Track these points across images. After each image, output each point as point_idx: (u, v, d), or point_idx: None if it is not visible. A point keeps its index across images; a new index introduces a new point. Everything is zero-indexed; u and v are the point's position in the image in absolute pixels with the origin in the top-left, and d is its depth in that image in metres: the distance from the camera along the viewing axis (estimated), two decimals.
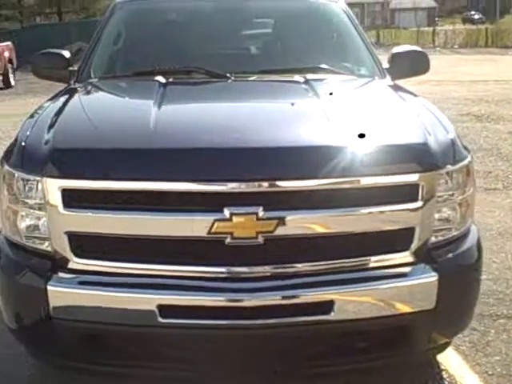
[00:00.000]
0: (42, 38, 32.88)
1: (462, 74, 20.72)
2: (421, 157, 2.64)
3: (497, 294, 4.20)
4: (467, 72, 21.28)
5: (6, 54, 20.64)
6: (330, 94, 3.25)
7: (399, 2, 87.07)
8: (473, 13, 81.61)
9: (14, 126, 11.66)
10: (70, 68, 4.06)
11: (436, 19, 76.43)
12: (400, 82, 3.96)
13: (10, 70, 20.98)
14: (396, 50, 4.23)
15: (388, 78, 3.89)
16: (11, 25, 43.58)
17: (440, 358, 3.37)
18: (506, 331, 3.71)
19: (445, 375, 3.27)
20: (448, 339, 2.95)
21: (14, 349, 3.25)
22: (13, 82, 20.96)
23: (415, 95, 3.49)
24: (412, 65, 4.16)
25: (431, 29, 45.72)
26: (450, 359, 3.40)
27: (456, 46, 38.53)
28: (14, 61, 21.74)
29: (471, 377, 3.25)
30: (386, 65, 4.09)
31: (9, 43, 21.72)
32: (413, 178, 2.59)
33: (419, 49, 4.35)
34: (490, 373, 3.28)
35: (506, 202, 6.40)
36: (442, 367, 3.33)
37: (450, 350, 3.44)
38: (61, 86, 4.02)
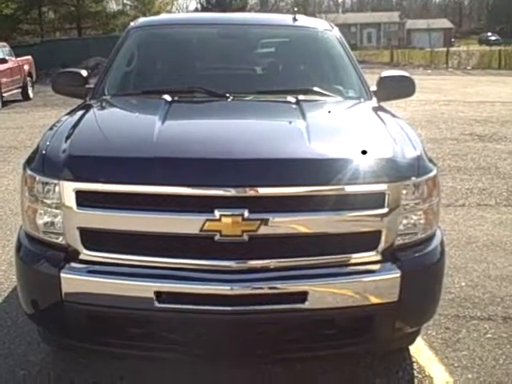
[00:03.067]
0: (61, 53, 33.59)
1: (471, 95, 21.02)
2: (388, 169, 3.01)
3: (473, 299, 4.55)
4: (476, 93, 21.57)
5: (26, 67, 21.10)
6: (315, 113, 3.66)
7: (414, 22, 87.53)
8: (489, 34, 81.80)
9: (28, 136, 12.20)
10: (87, 85, 4.47)
11: (452, 40, 76.64)
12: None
13: (29, 83, 21.41)
14: (384, 74, 4.62)
15: (374, 99, 4.27)
16: (31, 39, 44.42)
17: (413, 352, 3.75)
18: (477, 331, 4.05)
19: (415, 366, 3.63)
20: (411, 329, 3.30)
21: None
22: (31, 95, 21.39)
23: (394, 116, 3.85)
24: (398, 88, 4.55)
25: (445, 49, 45.93)
26: (421, 353, 3.77)
27: (469, 68, 38.64)
28: (34, 74, 22.16)
29: (438, 368, 3.61)
30: (374, 87, 4.49)
31: (29, 57, 22.16)
32: (380, 187, 2.97)
33: (405, 73, 4.71)
34: (456, 365, 3.64)
35: (496, 217, 6.73)
36: (414, 360, 3.69)
37: (422, 346, 3.83)
38: (77, 101, 4.47)
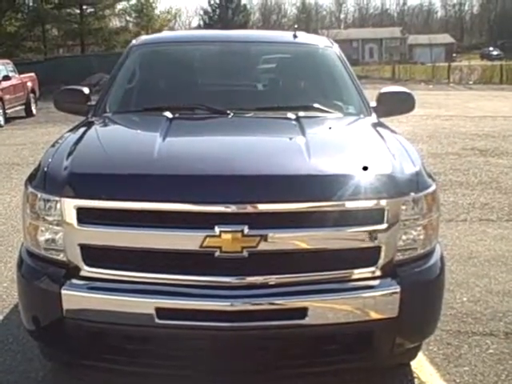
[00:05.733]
0: (64, 70, 33.80)
1: (472, 109, 21.08)
2: (387, 185, 3.03)
3: (475, 314, 4.54)
4: (478, 108, 21.64)
5: (29, 84, 21.25)
6: (315, 130, 3.69)
7: (416, 37, 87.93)
8: (491, 49, 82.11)
9: (31, 153, 12.26)
10: (89, 103, 4.51)
11: (454, 55, 76.93)
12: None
13: (33, 100, 21.56)
14: (383, 90, 4.66)
15: (373, 115, 4.29)
16: (34, 56, 44.72)
17: (414, 367, 3.74)
18: (479, 346, 4.04)
19: (416, 382, 3.63)
20: (412, 344, 3.29)
21: None
22: (34, 111, 21.54)
23: (394, 132, 3.87)
24: (398, 104, 4.57)
25: (447, 64, 46.11)
26: (423, 369, 3.76)
27: (471, 82, 38.76)
28: (37, 91, 22.34)
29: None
30: (373, 103, 4.52)
31: (32, 74, 22.32)
32: (380, 203, 2.99)
33: (405, 89, 4.75)
34: (458, 381, 3.63)
35: (498, 231, 6.72)
36: (415, 375, 3.68)
37: (424, 361, 3.82)
38: (80, 117, 4.50)
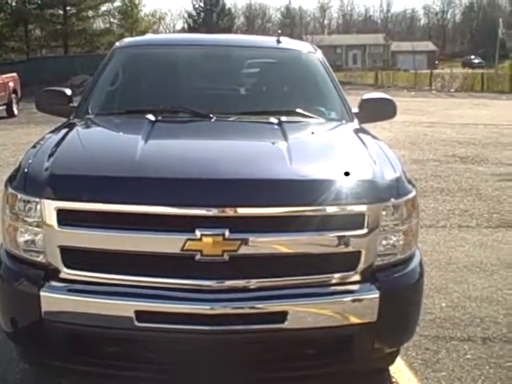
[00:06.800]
0: (47, 70, 33.65)
1: (454, 117, 21.28)
2: (367, 191, 3.05)
3: (453, 319, 4.58)
4: (459, 115, 21.85)
5: (11, 84, 21.13)
6: (297, 134, 3.71)
7: (399, 44, 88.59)
8: (472, 57, 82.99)
9: (12, 153, 12.15)
10: (71, 104, 4.48)
11: (436, 62, 77.62)
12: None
13: (14, 101, 21.44)
14: (365, 96, 4.69)
15: (355, 121, 4.31)
16: (17, 56, 44.46)
17: (393, 372, 3.75)
18: (456, 351, 4.08)
19: None
20: (391, 349, 3.32)
21: None
22: (16, 112, 21.40)
23: (375, 137, 3.89)
24: (379, 110, 4.61)
25: (429, 72, 46.49)
26: (402, 374, 3.78)
27: (452, 90, 39.10)
28: (19, 91, 22.20)
29: None
30: (355, 109, 4.55)
31: (14, 74, 22.17)
32: (359, 208, 3.00)
33: (387, 96, 4.78)
34: None
35: (477, 238, 6.79)
36: (393, 380, 3.70)
37: (402, 366, 3.84)
38: (62, 119, 4.47)
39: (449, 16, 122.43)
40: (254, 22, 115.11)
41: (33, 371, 3.65)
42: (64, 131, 3.77)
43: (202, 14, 71.82)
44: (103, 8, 51.49)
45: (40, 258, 3.02)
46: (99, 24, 56.60)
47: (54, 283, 2.97)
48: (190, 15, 74.82)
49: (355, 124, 4.27)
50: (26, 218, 3.04)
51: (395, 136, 14.77)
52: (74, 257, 2.94)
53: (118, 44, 5.04)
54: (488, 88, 38.96)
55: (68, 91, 4.58)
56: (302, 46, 5.08)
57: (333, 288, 3.01)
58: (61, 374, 3.39)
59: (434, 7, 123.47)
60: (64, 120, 4.31)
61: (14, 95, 21.37)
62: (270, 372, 3.08)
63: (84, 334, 2.99)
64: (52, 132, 3.87)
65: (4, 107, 20.57)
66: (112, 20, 54.79)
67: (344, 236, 2.97)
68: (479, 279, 5.47)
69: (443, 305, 4.87)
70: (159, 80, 4.62)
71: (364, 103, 4.56)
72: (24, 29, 46.65)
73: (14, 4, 45.59)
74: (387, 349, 3.27)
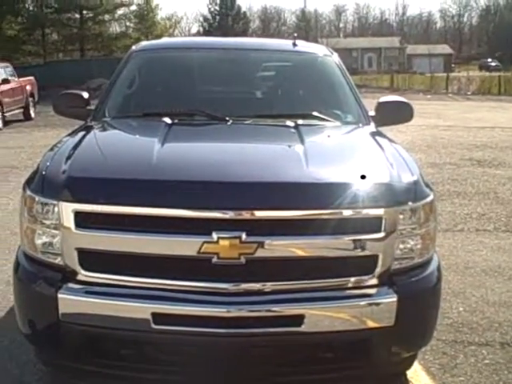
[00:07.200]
0: (64, 74, 33.89)
1: (470, 120, 21.10)
2: (384, 194, 3.03)
3: (471, 324, 4.54)
4: (476, 118, 21.67)
5: (28, 87, 21.24)
6: (313, 138, 3.70)
7: (415, 47, 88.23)
8: (489, 60, 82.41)
9: (29, 156, 12.25)
10: (88, 107, 4.51)
11: (452, 65, 77.18)
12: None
13: (31, 104, 21.54)
14: (382, 99, 4.67)
15: (372, 124, 4.30)
16: (34, 60, 44.85)
17: (410, 377, 3.73)
18: (475, 356, 4.04)
19: None
20: (408, 353, 3.30)
21: None
22: (33, 115, 21.52)
23: (392, 141, 3.88)
24: (396, 113, 4.58)
25: (445, 75, 46.20)
26: (419, 378, 3.75)
27: (469, 93, 38.82)
28: (36, 95, 22.35)
29: None
30: (372, 112, 4.53)
31: (31, 78, 22.31)
32: (377, 212, 2.99)
33: (403, 99, 4.76)
34: None
35: (494, 242, 6.73)
36: None
37: (420, 371, 3.81)
38: (78, 122, 4.49)
39: (465, 19, 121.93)
40: (270, 25, 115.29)
41: (49, 372, 3.66)
42: (81, 134, 3.79)
43: (218, 18, 72.01)
44: (119, 12, 51.75)
45: (57, 260, 3.03)
46: (115, 28, 56.90)
47: (71, 285, 2.98)
48: (205, 19, 75.03)
49: (372, 127, 4.25)
50: (43, 221, 3.05)
51: (411, 139, 14.68)
52: (92, 259, 2.95)
53: (134, 47, 5.06)
54: (505, 91, 38.56)
55: (85, 94, 4.61)
56: (319, 49, 5.07)
57: (350, 292, 3.00)
58: (77, 376, 3.41)
59: (450, 10, 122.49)
60: (81, 123, 4.34)
61: (31, 98, 21.49)
62: (287, 376, 3.07)
63: (100, 336, 3.00)
64: (69, 135, 3.89)
65: (21, 110, 20.70)
66: (128, 24, 55.06)
67: (361, 239, 2.96)
68: (497, 283, 5.42)
69: (461, 309, 4.83)
70: (175, 83, 4.64)
71: (380, 106, 4.54)
72: (41, 33, 47.01)
73: (31, 8, 45.97)
74: (405, 353, 3.25)
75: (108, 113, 4.31)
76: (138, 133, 4.10)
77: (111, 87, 4.54)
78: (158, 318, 2.86)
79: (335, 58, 4.88)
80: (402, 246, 3.09)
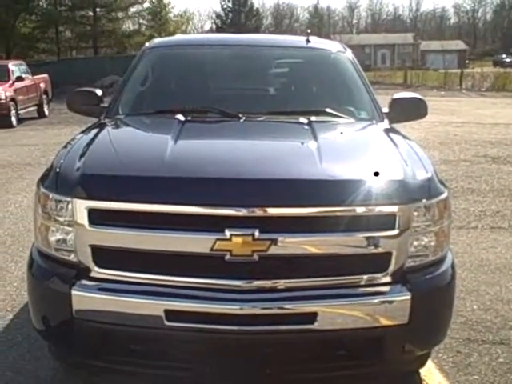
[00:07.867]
0: (77, 71, 34.00)
1: (485, 116, 20.95)
2: (398, 191, 3.01)
3: (485, 322, 4.51)
4: (490, 115, 21.50)
5: (42, 85, 21.36)
6: (327, 134, 3.69)
7: (429, 43, 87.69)
8: (504, 56, 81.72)
9: (42, 153, 12.31)
10: (101, 104, 4.53)
11: (466, 61, 76.66)
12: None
13: (45, 101, 21.67)
14: (396, 96, 4.64)
15: (386, 121, 4.27)
16: (48, 57, 45.07)
17: (423, 375, 3.72)
18: (489, 355, 4.01)
19: None
20: (421, 352, 3.28)
21: None
22: (47, 112, 21.64)
23: (405, 137, 3.86)
24: (410, 110, 4.55)
25: (459, 71, 45.87)
26: (433, 376, 3.74)
27: (483, 89, 38.52)
28: (50, 92, 22.46)
29: None
30: (386, 109, 4.51)
31: (45, 75, 22.42)
32: (391, 209, 2.97)
33: (418, 95, 4.73)
34: None
35: (509, 240, 6.68)
36: (424, 383, 3.66)
37: (433, 369, 3.79)
38: (92, 119, 4.51)
39: (479, 14, 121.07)
40: (282, 22, 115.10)
41: (63, 368, 3.69)
42: (95, 131, 3.80)
43: (230, 15, 71.97)
44: (133, 9, 51.92)
45: (71, 257, 3.05)
46: (128, 25, 57.01)
47: (85, 282, 2.99)
48: (218, 16, 75.04)
49: (385, 124, 4.22)
50: (57, 218, 3.07)
51: (425, 136, 14.59)
52: (105, 256, 2.96)
53: (147, 45, 5.07)
54: None
55: (99, 91, 4.62)
56: (332, 46, 5.04)
57: (363, 289, 2.98)
58: (90, 372, 3.44)
59: (464, 6, 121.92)
60: (94, 120, 4.36)
61: (44, 96, 21.61)
62: (299, 373, 3.06)
63: (113, 333, 3.01)
64: (83, 132, 3.90)
65: (35, 108, 20.82)
66: (141, 21, 55.23)
67: (375, 237, 2.94)
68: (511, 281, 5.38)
69: (475, 307, 4.80)
70: (189, 80, 4.64)
71: (394, 103, 4.52)
72: (55, 30, 47.24)
73: (45, 6, 46.16)
74: (418, 351, 3.23)
75: (121, 110, 4.32)
76: (152, 130, 4.11)
77: (124, 84, 4.55)
78: (170, 314, 2.87)
79: (349, 55, 4.86)
80: (415, 244, 3.07)
